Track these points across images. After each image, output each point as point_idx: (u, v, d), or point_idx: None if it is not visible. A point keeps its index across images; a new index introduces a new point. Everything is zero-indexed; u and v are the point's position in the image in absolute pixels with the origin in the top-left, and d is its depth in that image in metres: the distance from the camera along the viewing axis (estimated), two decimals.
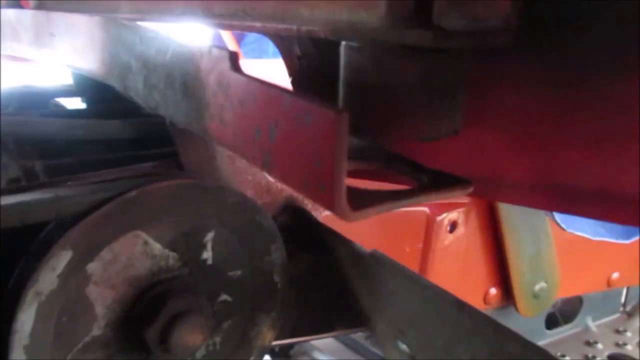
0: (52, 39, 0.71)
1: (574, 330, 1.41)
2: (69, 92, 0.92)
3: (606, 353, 1.38)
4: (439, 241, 0.95)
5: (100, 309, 0.52)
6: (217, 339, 0.62)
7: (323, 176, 0.28)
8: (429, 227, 0.94)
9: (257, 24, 0.43)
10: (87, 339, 0.52)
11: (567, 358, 1.31)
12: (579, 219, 1.12)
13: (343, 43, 0.36)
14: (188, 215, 0.56)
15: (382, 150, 0.40)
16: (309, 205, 0.74)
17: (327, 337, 0.94)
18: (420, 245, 0.94)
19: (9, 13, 0.84)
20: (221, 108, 0.37)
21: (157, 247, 0.55)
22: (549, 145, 0.49)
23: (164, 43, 0.44)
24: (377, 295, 0.65)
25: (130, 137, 0.68)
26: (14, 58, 0.87)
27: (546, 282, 1.14)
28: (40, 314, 0.48)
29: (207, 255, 0.59)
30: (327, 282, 0.73)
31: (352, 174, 0.40)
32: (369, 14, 0.36)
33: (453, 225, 0.97)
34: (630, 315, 1.51)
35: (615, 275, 1.32)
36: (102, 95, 0.83)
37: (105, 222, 0.50)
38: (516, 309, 1.13)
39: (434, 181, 0.35)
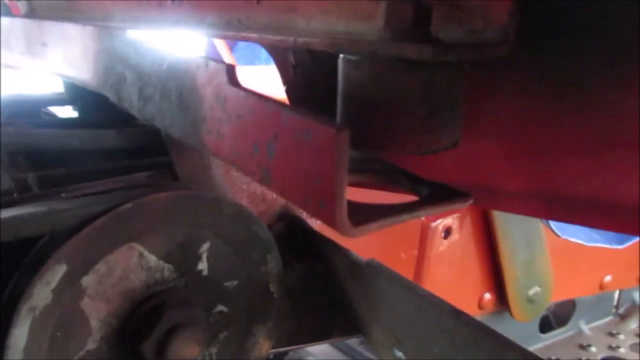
0: (44, 48, 0.70)
1: (567, 334, 1.42)
2: (60, 101, 0.91)
3: (600, 356, 1.38)
4: (433, 247, 0.95)
5: (95, 323, 0.52)
6: (214, 350, 0.62)
7: (323, 193, 0.28)
8: (424, 233, 0.94)
9: (253, 35, 0.43)
10: (82, 353, 0.52)
11: None
12: (573, 226, 1.13)
13: (341, 56, 0.36)
14: (184, 226, 0.55)
15: (381, 162, 0.40)
16: (304, 213, 0.74)
17: (322, 343, 0.94)
18: (415, 252, 0.94)
19: (1, 21, 0.83)
20: (218, 122, 0.37)
21: (152, 259, 0.54)
22: (545, 154, 0.50)
23: (160, 55, 0.44)
24: (373, 304, 0.65)
25: (124, 147, 0.68)
26: (4, 66, 0.86)
27: (540, 286, 1.15)
28: (34, 329, 0.47)
29: (203, 266, 0.58)
30: (323, 290, 0.73)
31: (351, 186, 0.40)
32: (367, 27, 0.36)
33: (447, 232, 0.97)
34: (623, 318, 1.52)
35: (608, 278, 1.33)
36: (94, 104, 0.83)
37: (100, 235, 0.49)
38: (511, 313, 1.14)
39: (434, 194, 0.35)
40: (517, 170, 0.49)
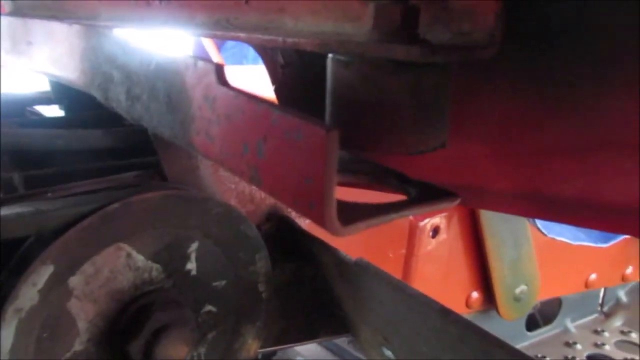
0: (30, 47, 0.70)
1: (553, 332, 1.43)
2: (46, 100, 0.90)
3: (585, 353, 1.40)
4: (421, 246, 0.95)
5: (82, 324, 0.52)
6: (202, 350, 0.62)
7: (313, 193, 0.28)
8: (412, 232, 0.95)
9: (242, 35, 0.43)
10: (69, 354, 0.51)
11: (548, 359, 1.33)
12: (559, 224, 1.14)
13: (330, 56, 0.36)
14: (172, 226, 0.55)
15: (369, 163, 0.41)
16: (292, 213, 0.74)
17: (311, 343, 0.94)
18: (404, 251, 0.95)
19: None
20: (207, 122, 0.37)
21: (140, 259, 0.54)
22: (531, 155, 0.50)
23: (148, 54, 0.44)
24: (361, 303, 0.65)
25: (111, 147, 0.67)
26: None
27: (527, 285, 1.16)
28: (20, 331, 0.47)
29: (192, 266, 0.58)
30: (311, 289, 0.73)
31: (340, 186, 0.40)
32: (355, 28, 0.36)
33: (435, 231, 0.98)
34: (608, 315, 1.54)
35: (593, 276, 1.35)
36: (81, 104, 0.82)
37: (87, 235, 0.49)
38: (498, 312, 1.15)
39: (422, 194, 0.35)
40: (503, 170, 0.50)
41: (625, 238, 1.31)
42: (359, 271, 0.61)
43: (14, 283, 0.46)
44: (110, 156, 0.69)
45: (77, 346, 0.52)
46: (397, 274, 0.93)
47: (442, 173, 0.49)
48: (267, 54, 0.64)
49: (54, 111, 0.92)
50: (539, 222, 1.13)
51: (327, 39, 0.35)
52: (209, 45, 1.80)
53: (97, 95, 0.55)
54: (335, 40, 0.35)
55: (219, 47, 1.85)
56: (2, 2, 0.90)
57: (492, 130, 0.50)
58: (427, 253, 0.96)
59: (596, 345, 1.44)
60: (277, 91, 0.66)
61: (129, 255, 0.53)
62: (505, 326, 1.20)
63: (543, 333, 1.42)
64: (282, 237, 0.72)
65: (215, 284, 0.61)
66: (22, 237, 0.49)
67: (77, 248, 0.49)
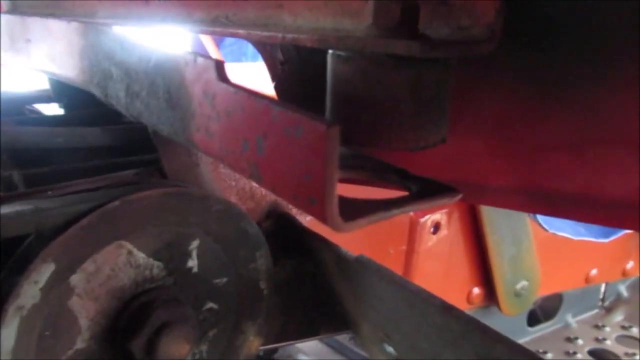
0: (28, 44, 0.69)
1: (554, 327, 1.44)
2: (45, 98, 0.90)
3: (586, 349, 1.40)
4: (422, 243, 0.95)
5: (84, 322, 0.52)
6: (204, 348, 0.62)
7: (314, 189, 0.28)
8: (413, 229, 0.94)
9: (241, 31, 0.43)
10: (70, 352, 0.51)
11: (549, 355, 1.33)
12: (559, 220, 1.14)
13: (330, 52, 0.36)
14: (172, 224, 0.55)
15: (370, 159, 0.40)
16: (293, 210, 0.74)
17: (312, 340, 0.94)
18: (404, 247, 0.95)
19: None
20: (207, 118, 0.36)
21: (141, 256, 0.54)
22: (530, 150, 0.50)
23: (147, 51, 0.44)
24: (362, 300, 0.65)
25: (110, 145, 0.67)
26: None
27: (527, 280, 1.16)
28: (22, 329, 0.47)
29: (193, 263, 0.58)
30: (312, 286, 0.73)
31: (342, 182, 0.40)
32: (355, 24, 0.36)
33: (436, 227, 0.97)
34: (608, 310, 1.54)
35: (594, 271, 1.35)
36: (81, 102, 0.82)
37: (88, 233, 0.49)
38: (499, 308, 1.15)
39: (423, 189, 0.35)
40: (502, 166, 0.50)
41: (626, 233, 1.31)
42: (359, 268, 0.61)
43: (15, 281, 0.46)
44: (110, 154, 0.69)
45: (79, 344, 0.52)
46: (398, 271, 0.93)
47: (442, 169, 0.49)
48: (267, 51, 0.64)
49: (53, 109, 0.92)
50: (540, 218, 1.13)
51: (327, 35, 0.35)
52: (208, 43, 1.80)
53: (97, 92, 0.55)
54: (334, 36, 0.34)
55: (218, 45, 1.84)
56: (1, 1, 0.89)
57: (491, 127, 0.50)
58: (428, 249, 0.96)
59: (597, 340, 1.44)
60: (276, 88, 0.66)
61: (129, 252, 0.53)
62: (507, 322, 1.20)
63: (544, 328, 1.42)
64: (282, 234, 0.72)
65: (216, 281, 0.61)
66: (23, 236, 0.49)
67: (78, 246, 0.49)
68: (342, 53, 0.34)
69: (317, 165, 0.27)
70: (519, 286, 1.14)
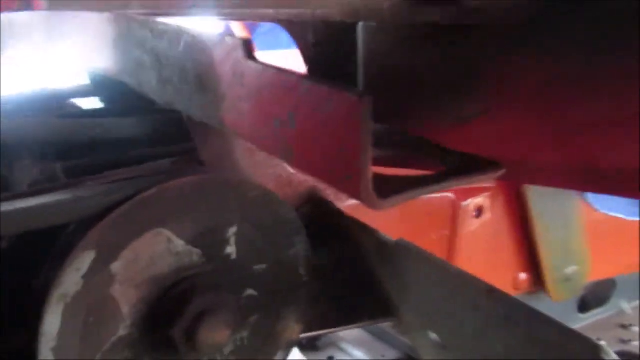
0: (64, 39, 0.70)
1: (608, 314, 1.38)
2: (86, 92, 0.92)
3: None
4: (465, 227, 0.93)
5: (126, 309, 0.52)
6: (245, 334, 0.62)
7: (348, 164, 0.26)
8: (455, 213, 0.92)
9: (270, 11, 0.42)
10: (114, 339, 0.52)
11: (603, 342, 1.28)
12: (612, 199, 1.09)
13: (360, 24, 0.34)
14: (209, 210, 0.55)
15: (406, 135, 0.39)
16: (331, 195, 0.73)
17: (354, 328, 0.93)
18: (447, 232, 0.92)
19: (21, 16, 0.84)
20: (237, 99, 0.36)
21: (180, 244, 0.54)
22: (580, 124, 0.47)
23: (176, 35, 0.43)
24: (404, 285, 0.64)
25: (148, 134, 0.68)
26: (29, 60, 0.87)
27: (577, 265, 1.11)
28: (66, 316, 0.48)
29: (231, 250, 0.58)
30: (352, 272, 0.72)
31: (376, 161, 0.38)
32: None
33: (479, 211, 0.94)
34: None
35: None
36: (119, 94, 0.83)
37: (126, 221, 0.49)
38: (547, 293, 1.11)
39: (463, 165, 0.33)
40: (549, 142, 0.47)
41: None
42: (400, 252, 0.60)
43: (58, 269, 0.47)
44: (149, 144, 0.70)
45: (122, 331, 0.52)
46: (441, 255, 0.91)
47: (483, 146, 0.47)
48: (298, 33, 0.63)
49: (94, 103, 0.94)
50: (591, 197, 1.08)
51: (357, 6, 0.34)
52: (241, 32, 1.80)
53: (130, 82, 0.55)
54: (366, 8, 0.33)
55: (251, 34, 1.84)
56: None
57: (536, 99, 0.48)
58: (471, 233, 0.93)
59: None
60: (310, 71, 0.65)
61: (169, 240, 0.53)
62: (556, 308, 1.16)
63: (596, 315, 1.36)
64: (320, 220, 0.71)
65: (255, 267, 0.60)
66: (64, 225, 0.49)
67: (117, 233, 0.49)
68: (373, 24, 0.33)
69: (351, 138, 0.26)
70: (568, 271, 1.10)
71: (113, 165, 0.62)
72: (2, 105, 0.79)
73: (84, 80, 0.94)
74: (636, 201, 1.05)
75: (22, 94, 0.86)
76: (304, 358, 1.37)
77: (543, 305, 1.13)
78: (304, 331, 0.70)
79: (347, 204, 0.72)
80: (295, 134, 0.30)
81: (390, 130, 0.40)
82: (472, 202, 0.93)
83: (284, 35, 0.71)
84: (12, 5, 0.98)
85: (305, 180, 0.72)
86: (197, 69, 0.41)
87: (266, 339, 0.63)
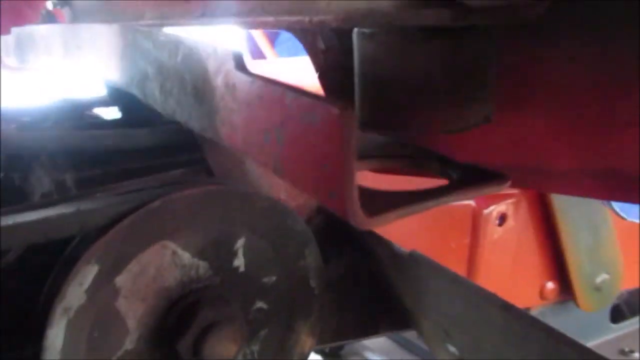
0: (79, 50, 0.71)
1: None
2: (104, 103, 0.92)
3: None
4: (487, 235, 0.90)
5: (132, 323, 0.51)
6: (255, 348, 0.60)
7: (332, 180, 0.25)
8: (476, 221, 0.89)
9: (270, 19, 0.41)
10: (120, 353, 0.51)
11: (636, 354, 1.23)
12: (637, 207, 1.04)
13: (355, 30, 0.33)
14: (216, 222, 0.54)
15: (408, 146, 0.37)
16: None
17: (371, 338, 0.91)
18: (467, 241, 0.89)
19: (42, 29, 0.85)
20: (230, 111, 0.35)
21: (186, 256, 0.53)
22: (602, 128, 0.45)
23: (175, 46, 0.42)
24: (420, 296, 0.62)
25: (158, 145, 0.67)
26: (49, 72, 0.88)
27: (608, 273, 1.07)
28: (70, 330, 0.47)
29: (239, 262, 0.57)
30: (368, 283, 0.70)
31: (377, 172, 0.37)
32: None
33: (502, 218, 0.91)
34: None
35: None
36: (135, 104, 0.83)
37: (130, 233, 0.49)
38: (576, 303, 1.06)
39: (465, 177, 0.31)
40: (568, 147, 0.44)
41: None
42: (413, 263, 0.58)
43: (62, 283, 0.46)
44: (160, 154, 0.70)
45: (128, 345, 0.52)
46: (462, 265, 0.89)
47: (493, 153, 0.45)
48: (308, 40, 0.62)
49: (112, 114, 0.94)
50: (617, 205, 1.04)
51: (352, 12, 0.32)
52: (261, 41, 1.80)
53: (137, 93, 0.55)
54: (359, 13, 0.31)
55: (272, 42, 1.84)
56: (63, 10, 0.93)
57: (553, 102, 0.45)
58: (494, 242, 0.90)
59: None
60: (320, 78, 0.64)
61: (174, 252, 0.53)
62: (587, 318, 1.12)
63: (630, 325, 1.31)
64: (334, 230, 0.70)
65: (264, 280, 0.59)
66: (69, 237, 0.49)
67: (121, 246, 0.49)
68: (366, 30, 0.31)
69: (334, 152, 0.24)
70: (598, 280, 1.06)
71: (124, 176, 0.62)
72: (20, 117, 0.81)
73: (103, 91, 0.95)
74: None
75: (41, 105, 0.87)
76: None
77: (573, 315, 1.09)
78: (320, 342, 0.69)
79: None
80: (283, 148, 0.29)
81: (393, 141, 0.39)
82: (495, 210, 0.90)
83: None
84: (36, 18, 1.00)
85: None
86: (194, 81, 0.40)
87: (277, 353, 0.62)
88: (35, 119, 0.81)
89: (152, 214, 0.49)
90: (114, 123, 0.81)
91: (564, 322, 0.99)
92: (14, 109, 0.83)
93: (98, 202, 0.49)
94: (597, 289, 1.07)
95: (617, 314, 1.31)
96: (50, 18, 1.01)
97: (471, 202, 0.88)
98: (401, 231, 0.74)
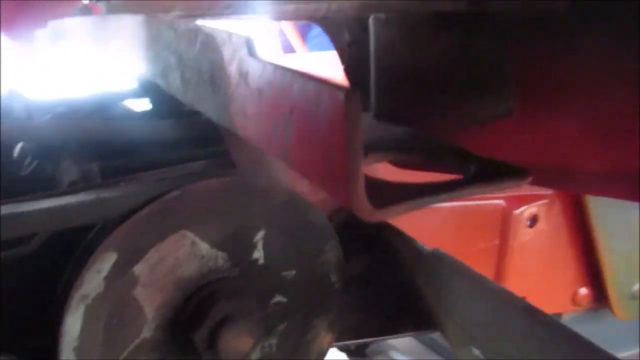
0: (109, 42, 0.72)
1: None
2: (136, 94, 0.93)
3: None
4: (517, 237, 0.87)
5: (149, 311, 0.52)
6: (273, 341, 0.60)
7: (337, 169, 0.24)
8: (505, 222, 0.86)
9: (290, 7, 0.40)
10: (137, 341, 0.52)
11: None
12: None
13: (371, 17, 0.32)
14: (235, 214, 0.54)
15: (427, 139, 0.36)
16: None
17: (395, 338, 0.89)
18: (496, 242, 0.87)
19: (76, 22, 0.86)
20: (243, 100, 0.34)
21: (205, 247, 0.53)
22: (634, 127, 0.42)
23: (194, 34, 0.42)
24: (443, 297, 0.60)
25: (184, 137, 0.68)
26: (82, 63, 0.90)
27: None
28: (88, 317, 0.48)
29: (258, 255, 0.57)
30: (391, 281, 0.69)
31: (401, 165, 0.35)
32: None
33: (533, 220, 0.88)
34: None
35: None
36: (164, 95, 0.84)
37: (149, 223, 0.49)
38: (611, 311, 1.02)
39: (482, 171, 0.30)
40: (599, 146, 0.42)
41: None
42: (435, 262, 0.56)
43: (80, 270, 0.47)
44: (185, 146, 0.70)
45: (146, 333, 0.52)
46: (490, 267, 0.86)
47: (519, 152, 0.43)
48: (333, 32, 0.61)
49: (143, 105, 0.96)
50: None
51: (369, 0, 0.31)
52: (292, 35, 1.80)
53: (161, 83, 0.55)
54: (376, 0, 0.30)
55: (303, 36, 1.84)
56: (99, 4, 0.94)
57: (584, 99, 0.43)
58: (524, 244, 0.87)
59: None
60: (346, 71, 0.63)
61: (193, 243, 0.52)
62: (622, 327, 1.07)
63: None
64: (357, 226, 0.69)
65: (284, 273, 0.59)
66: (90, 226, 0.50)
67: (139, 235, 0.49)
68: (382, 16, 0.30)
69: (338, 140, 0.23)
70: (635, 287, 1.01)
71: (148, 167, 0.62)
72: (54, 108, 0.82)
73: (134, 83, 0.96)
74: None
75: (76, 97, 0.88)
76: None
77: (607, 323, 1.05)
78: (341, 339, 0.68)
79: None
80: (292, 136, 0.28)
81: (412, 134, 0.37)
82: (526, 211, 0.87)
83: None
84: (72, 10, 1.02)
85: None
86: (211, 70, 0.39)
87: (296, 347, 0.61)
88: (69, 109, 0.83)
89: (170, 204, 0.49)
90: (142, 115, 0.81)
91: (596, 331, 0.95)
92: (50, 100, 0.85)
93: (117, 192, 0.50)
94: (634, 297, 1.02)
95: None
96: (85, 12, 1.03)
97: (501, 202, 0.85)
98: (427, 229, 0.73)
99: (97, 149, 0.67)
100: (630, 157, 0.44)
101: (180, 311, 0.53)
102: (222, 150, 0.64)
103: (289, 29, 1.83)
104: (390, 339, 0.79)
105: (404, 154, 0.34)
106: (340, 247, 0.61)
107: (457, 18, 0.27)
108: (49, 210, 0.45)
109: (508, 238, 0.87)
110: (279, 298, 0.59)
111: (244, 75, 0.33)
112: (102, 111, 0.86)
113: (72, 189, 0.51)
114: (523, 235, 0.87)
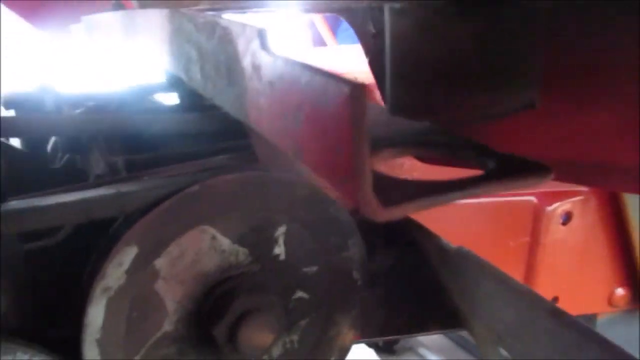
0: (136, 36, 0.72)
1: None
2: (165, 88, 0.94)
3: None
4: (549, 235, 0.84)
5: (171, 305, 0.52)
6: (295, 337, 0.60)
7: (343, 164, 0.23)
8: (537, 218, 0.83)
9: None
10: (159, 334, 0.52)
11: None
12: None
13: (386, 5, 0.31)
14: (256, 209, 0.53)
15: (445, 134, 0.34)
16: None
17: (422, 335, 0.88)
18: (527, 239, 0.84)
19: (106, 16, 0.88)
20: (257, 93, 0.33)
21: (225, 242, 0.53)
22: None
23: (212, 27, 0.42)
24: (469, 296, 0.59)
25: (207, 130, 0.68)
26: (112, 57, 0.91)
27: None
28: (110, 309, 0.48)
29: (280, 250, 0.56)
30: (416, 278, 0.68)
31: (421, 159, 0.34)
32: None
33: (567, 217, 0.85)
34: None
35: None
36: (190, 89, 0.84)
37: (169, 216, 0.49)
38: None
39: (501, 168, 0.28)
40: (630, 141, 0.40)
41: None
42: (460, 260, 0.55)
43: (102, 263, 0.47)
44: (211, 139, 0.70)
45: (167, 326, 0.52)
46: (520, 265, 0.84)
47: (547, 147, 0.41)
48: (358, 24, 0.59)
49: (172, 99, 0.96)
50: None
51: None
52: (323, 29, 1.79)
53: (183, 76, 0.55)
54: None
55: (334, 30, 1.83)
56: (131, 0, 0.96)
57: (620, 91, 0.41)
58: (556, 242, 0.84)
59: None
60: (371, 63, 0.61)
61: (213, 237, 0.52)
62: None
63: None
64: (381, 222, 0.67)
65: (305, 269, 0.58)
66: (112, 219, 0.50)
67: (160, 229, 0.49)
68: (397, 4, 0.29)
69: (344, 134, 0.22)
70: None
71: (173, 161, 0.63)
72: (85, 102, 0.84)
73: (163, 77, 0.97)
74: None
75: (106, 91, 0.90)
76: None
77: None
78: (365, 336, 0.67)
79: None
80: (301, 131, 0.27)
81: (431, 129, 0.36)
82: (559, 207, 0.84)
83: None
84: (107, 5, 1.03)
85: None
86: (227, 63, 0.39)
87: (317, 344, 0.61)
88: (99, 103, 0.84)
89: (191, 198, 0.49)
90: (170, 108, 0.82)
91: (634, 333, 0.92)
92: (80, 94, 0.87)
93: (139, 185, 0.50)
94: None
95: None
96: (119, 7, 1.05)
97: (532, 198, 0.83)
98: (455, 227, 0.71)
99: (125, 143, 0.68)
100: None
101: (201, 305, 0.53)
102: (246, 144, 0.64)
103: (319, 22, 1.82)
104: (417, 336, 0.77)
105: (422, 149, 0.33)
106: (363, 243, 0.60)
107: (475, 6, 0.26)
108: (71, 203, 0.46)
109: (539, 235, 0.84)
110: (300, 294, 0.59)
111: (256, 68, 0.33)
112: (132, 105, 0.87)
113: (96, 183, 0.52)
114: (556, 232, 0.84)
